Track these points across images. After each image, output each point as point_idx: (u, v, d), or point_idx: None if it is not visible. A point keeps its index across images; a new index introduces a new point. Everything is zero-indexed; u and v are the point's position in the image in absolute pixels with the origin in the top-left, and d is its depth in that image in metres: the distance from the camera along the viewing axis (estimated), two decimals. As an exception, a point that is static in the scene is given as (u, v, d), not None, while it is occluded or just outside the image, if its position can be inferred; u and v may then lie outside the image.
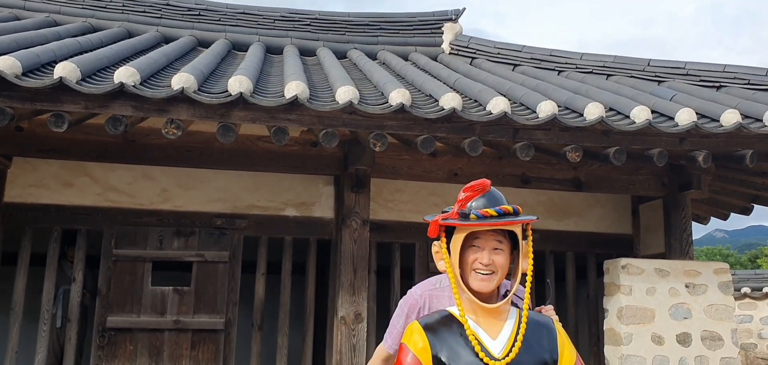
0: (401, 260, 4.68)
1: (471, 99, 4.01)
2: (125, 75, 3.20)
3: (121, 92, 3.19)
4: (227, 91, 3.34)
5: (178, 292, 4.28)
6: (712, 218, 6.51)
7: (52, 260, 4.25)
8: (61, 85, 3.09)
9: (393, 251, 4.69)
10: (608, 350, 4.35)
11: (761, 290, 9.85)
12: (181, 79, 3.27)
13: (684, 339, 4.27)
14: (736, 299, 7.62)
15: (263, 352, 4.52)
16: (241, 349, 4.56)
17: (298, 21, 6.30)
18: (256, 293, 4.46)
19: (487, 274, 1.60)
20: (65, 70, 3.12)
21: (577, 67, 5.47)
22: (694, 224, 5.63)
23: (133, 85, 3.20)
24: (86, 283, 4.50)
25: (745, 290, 9.79)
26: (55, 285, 4.32)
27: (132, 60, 3.92)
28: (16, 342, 4.12)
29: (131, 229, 4.30)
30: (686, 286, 4.34)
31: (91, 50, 4.17)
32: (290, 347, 4.50)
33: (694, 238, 4.86)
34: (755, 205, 5.75)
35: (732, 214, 6.20)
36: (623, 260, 4.33)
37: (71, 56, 3.65)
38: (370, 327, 4.27)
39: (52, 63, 3.43)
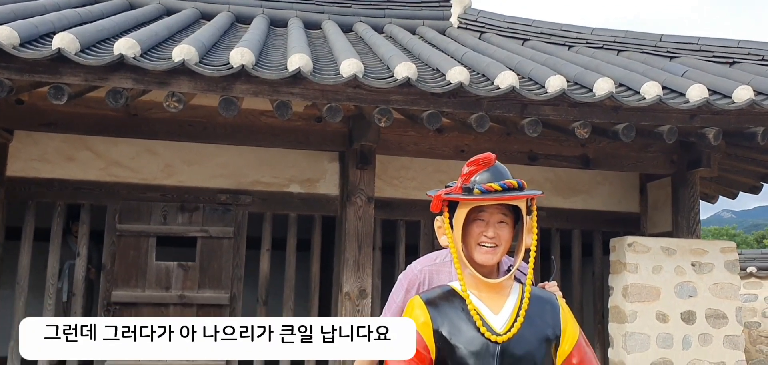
0: (406, 237, 4.66)
1: (479, 74, 3.94)
2: (125, 47, 3.15)
3: (121, 64, 3.15)
4: (229, 63, 3.29)
5: (182, 267, 4.29)
6: (719, 197, 6.44)
7: (56, 235, 4.26)
8: (59, 56, 3.05)
9: (398, 228, 4.67)
10: (612, 327, 4.34)
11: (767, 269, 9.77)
12: (182, 51, 3.22)
13: (688, 317, 4.25)
14: (741, 278, 7.55)
15: (267, 327, 4.54)
16: (245, 324, 4.58)
17: (303, -7, 6.18)
18: (260, 268, 4.47)
19: (491, 247, 1.58)
20: (64, 42, 3.06)
21: (587, 43, 5.36)
22: (701, 203, 5.56)
23: (134, 57, 3.15)
24: (91, 258, 4.52)
25: (751, 269, 9.72)
26: (59, 259, 4.34)
27: (133, 32, 3.86)
28: (23, 315, 4.16)
29: (135, 204, 4.29)
30: (692, 264, 4.30)
31: (91, 21, 4.10)
32: (294, 322, 4.52)
33: (701, 218, 4.80)
34: (765, 184, 5.67)
35: (740, 194, 6.12)
36: (629, 238, 4.29)
37: (70, 27, 3.59)
38: (374, 302, 4.27)
39: (50, 34, 3.37)
